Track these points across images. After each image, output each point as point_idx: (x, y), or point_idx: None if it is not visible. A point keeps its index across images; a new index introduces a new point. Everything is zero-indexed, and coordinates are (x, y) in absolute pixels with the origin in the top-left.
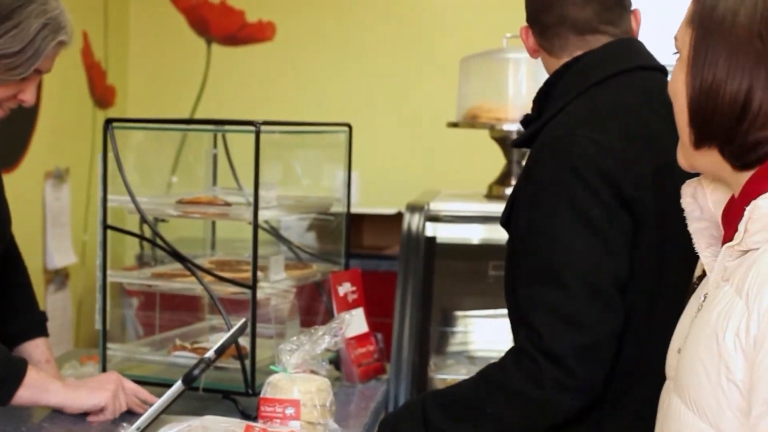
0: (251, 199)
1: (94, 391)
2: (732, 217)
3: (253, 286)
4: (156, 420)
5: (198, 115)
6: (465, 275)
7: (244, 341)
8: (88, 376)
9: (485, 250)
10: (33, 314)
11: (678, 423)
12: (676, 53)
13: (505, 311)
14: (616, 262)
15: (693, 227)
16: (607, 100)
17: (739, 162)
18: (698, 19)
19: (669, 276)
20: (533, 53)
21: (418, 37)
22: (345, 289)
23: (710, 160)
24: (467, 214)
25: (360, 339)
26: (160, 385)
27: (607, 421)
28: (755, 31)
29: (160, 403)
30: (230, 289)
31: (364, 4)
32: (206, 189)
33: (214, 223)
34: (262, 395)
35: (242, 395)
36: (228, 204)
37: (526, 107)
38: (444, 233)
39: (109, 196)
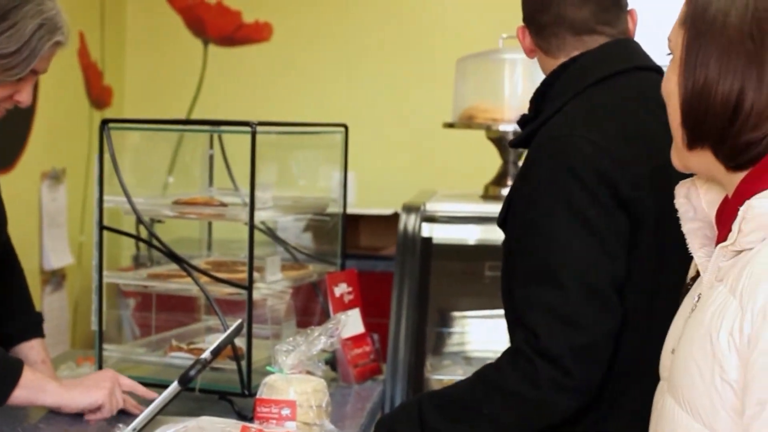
0: (247, 200)
1: (90, 389)
2: (726, 217)
3: (249, 287)
4: (152, 421)
5: (195, 116)
6: (461, 276)
7: (240, 342)
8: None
9: (481, 250)
10: (29, 315)
11: (672, 423)
12: (669, 54)
13: (501, 312)
14: (613, 262)
15: (687, 227)
16: (604, 101)
17: (732, 163)
18: (690, 20)
19: (667, 276)
20: (530, 53)
21: (414, 37)
22: (341, 289)
23: (703, 160)
24: (463, 214)
25: (356, 340)
26: (156, 385)
27: (605, 421)
28: (746, 31)
29: (156, 403)
30: (226, 290)
31: (361, 5)
32: (202, 190)
33: (210, 224)
34: (258, 396)
35: (238, 396)
36: (224, 205)
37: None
38: (440, 234)
39: (106, 197)
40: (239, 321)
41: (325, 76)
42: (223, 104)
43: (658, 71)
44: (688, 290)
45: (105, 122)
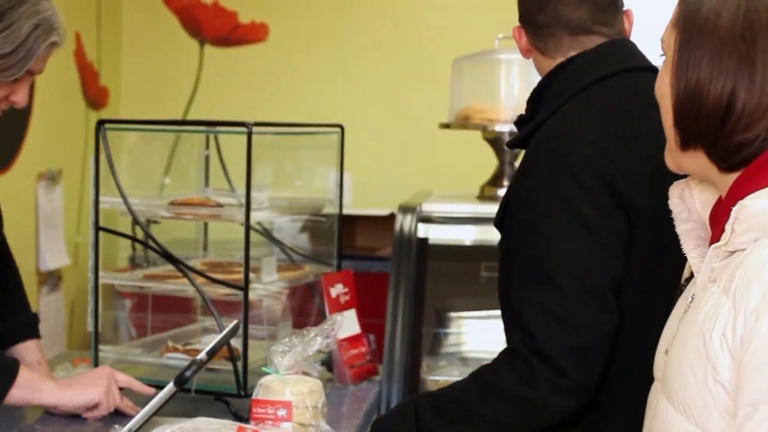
0: (243, 201)
1: (86, 387)
2: (719, 218)
3: (245, 288)
4: (148, 422)
5: (191, 116)
6: (457, 276)
7: (236, 343)
8: None
9: (477, 251)
10: (25, 316)
11: (665, 424)
12: (662, 55)
13: (497, 312)
14: (611, 263)
15: (680, 228)
16: (602, 101)
17: (724, 164)
18: (682, 22)
19: (665, 277)
20: (526, 53)
21: (410, 38)
22: (337, 290)
23: (697, 161)
24: (459, 215)
25: (352, 340)
26: (152, 386)
27: (603, 421)
28: (738, 32)
29: (151, 404)
30: (222, 291)
31: (357, 5)
32: (198, 190)
33: (206, 225)
34: (254, 397)
35: (234, 397)
36: (220, 205)
37: (518, 108)
38: (436, 234)
39: (102, 198)
40: (235, 322)
41: (322, 77)
42: (219, 105)
43: (654, 72)
44: (682, 291)
45: (101, 123)
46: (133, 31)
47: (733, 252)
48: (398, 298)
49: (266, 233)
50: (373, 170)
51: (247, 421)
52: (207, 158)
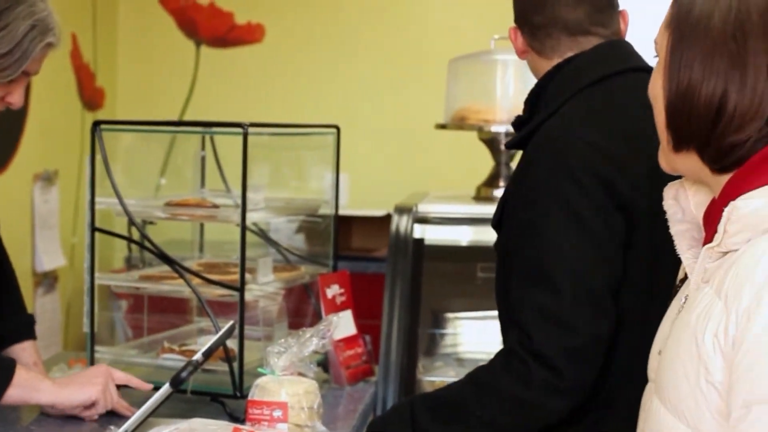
0: (239, 201)
1: (83, 386)
2: (712, 218)
3: (241, 289)
4: (144, 423)
5: (187, 117)
6: (453, 277)
7: (232, 343)
8: None
9: (473, 251)
10: (21, 317)
11: (658, 425)
12: (656, 56)
13: (493, 313)
14: (609, 265)
15: (675, 229)
16: (600, 102)
17: (717, 165)
18: (675, 23)
19: (662, 277)
20: (521, 54)
21: (406, 38)
22: (333, 291)
23: (690, 163)
24: (455, 215)
25: (348, 341)
26: None
27: (602, 422)
28: (729, 33)
29: (147, 405)
30: (218, 292)
31: (353, 6)
32: (194, 191)
33: (202, 226)
34: (249, 398)
35: (230, 398)
36: (216, 206)
37: (514, 109)
38: (432, 235)
39: (97, 199)
40: (231, 323)
41: (318, 78)
42: (215, 105)
43: (651, 72)
44: (677, 292)
45: (96, 124)
46: (129, 32)
47: (726, 253)
48: (394, 298)
49: (262, 234)
50: (370, 171)
51: (242, 422)
52: (203, 159)
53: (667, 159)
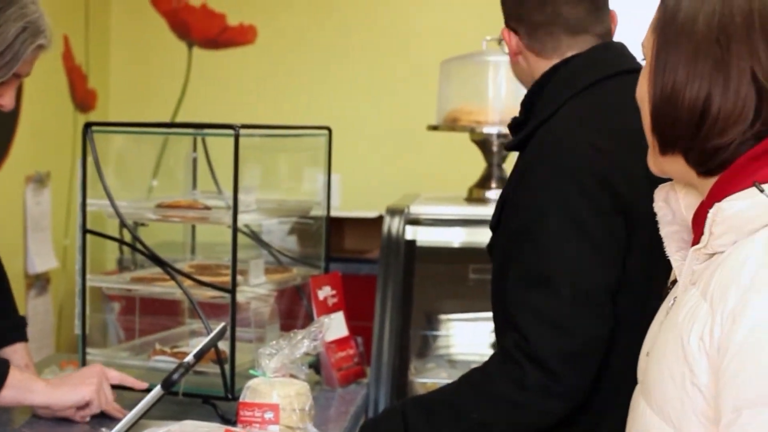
0: (231, 203)
1: (77, 387)
2: (700, 221)
3: (232, 290)
4: (135, 425)
5: (179, 119)
6: (445, 278)
7: (223, 345)
8: None
9: (465, 253)
10: (12, 319)
11: (644, 426)
12: (644, 60)
13: (485, 314)
14: (607, 268)
15: (664, 231)
16: (598, 104)
17: (702, 168)
18: (660, 26)
19: (660, 280)
20: (514, 56)
21: (398, 40)
22: (325, 292)
23: (676, 166)
24: (447, 217)
25: (340, 343)
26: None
27: (599, 424)
28: (713, 36)
29: (139, 408)
30: (210, 293)
31: (345, 7)
32: (186, 193)
33: (194, 227)
34: (241, 399)
35: (222, 400)
36: (207, 208)
37: (506, 110)
38: (424, 236)
39: (89, 200)
40: (223, 324)
41: (310, 79)
42: (207, 107)
43: None
44: (668, 294)
45: (88, 125)
46: (122, 33)
47: (713, 255)
48: (386, 300)
49: (254, 236)
50: (361, 172)
51: (234, 424)
52: (194, 161)
53: (656, 162)
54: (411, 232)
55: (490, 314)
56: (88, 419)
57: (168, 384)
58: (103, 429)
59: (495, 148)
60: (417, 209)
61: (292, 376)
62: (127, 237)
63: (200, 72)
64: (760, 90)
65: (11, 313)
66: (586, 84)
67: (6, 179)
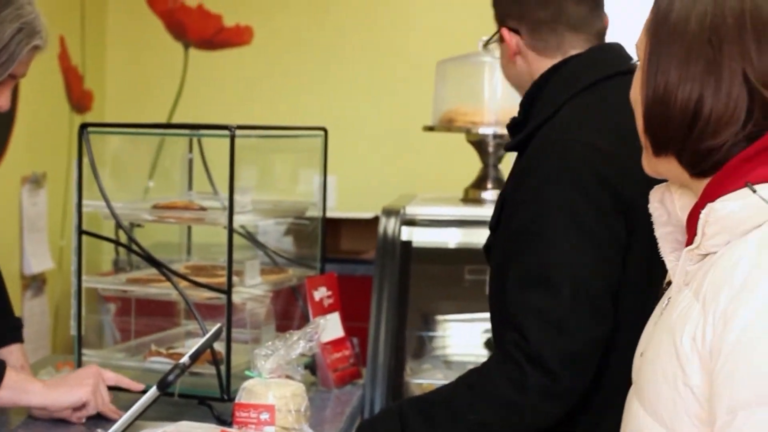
0: (226, 204)
1: (74, 388)
2: (694, 221)
3: (228, 291)
4: (131, 426)
5: (176, 119)
6: (441, 279)
7: (219, 346)
8: None
9: (461, 253)
10: (8, 320)
11: (638, 427)
12: (637, 61)
13: (481, 315)
14: (608, 269)
15: (659, 232)
16: (599, 104)
17: (694, 170)
18: (653, 27)
19: (659, 280)
20: (513, 56)
21: (394, 40)
22: (321, 293)
23: (670, 167)
24: (443, 217)
25: (335, 344)
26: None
27: (599, 425)
28: (705, 37)
29: (135, 408)
30: (205, 294)
31: (342, 8)
32: (182, 194)
33: (189, 228)
34: (237, 400)
35: (217, 401)
36: (203, 209)
37: (502, 111)
38: (420, 237)
39: (85, 201)
40: (218, 325)
41: (306, 80)
42: (203, 108)
43: None
44: (663, 294)
45: (84, 126)
46: (118, 34)
47: (706, 255)
48: (382, 301)
49: (250, 236)
50: (357, 173)
51: (230, 424)
52: (190, 161)
53: (650, 163)
54: (407, 233)
55: (486, 315)
56: (84, 420)
57: (164, 385)
58: (99, 430)
59: (491, 149)
60: (413, 210)
61: (287, 377)
62: (123, 238)
63: (196, 73)
64: (751, 91)
65: (7, 314)
66: (585, 84)
67: (2, 180)
